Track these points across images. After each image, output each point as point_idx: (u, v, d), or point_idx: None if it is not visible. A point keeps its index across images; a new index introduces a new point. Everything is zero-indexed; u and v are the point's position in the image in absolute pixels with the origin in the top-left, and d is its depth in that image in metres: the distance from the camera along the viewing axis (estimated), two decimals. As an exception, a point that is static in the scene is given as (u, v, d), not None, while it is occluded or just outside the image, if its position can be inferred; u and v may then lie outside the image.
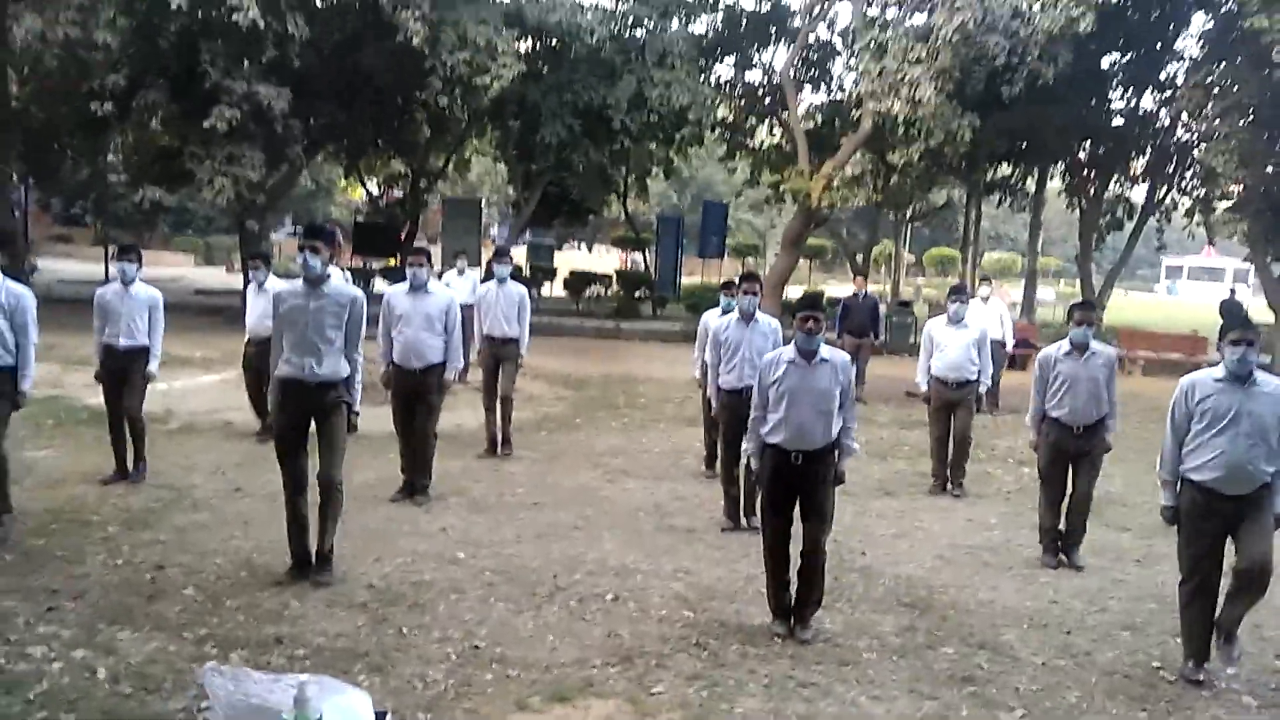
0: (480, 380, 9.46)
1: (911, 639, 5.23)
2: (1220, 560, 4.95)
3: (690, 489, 8.28)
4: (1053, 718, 4.40)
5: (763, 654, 4.91)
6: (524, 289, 9.61)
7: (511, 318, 9.13)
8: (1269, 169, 18.32)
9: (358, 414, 5.72)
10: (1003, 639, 5.30)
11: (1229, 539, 4.89)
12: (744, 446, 5.71)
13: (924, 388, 8.90)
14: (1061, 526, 6.77)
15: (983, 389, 8.99)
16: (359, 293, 5.69)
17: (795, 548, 5.26)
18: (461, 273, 13.72)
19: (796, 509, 5.26)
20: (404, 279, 7.63)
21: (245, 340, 9.10)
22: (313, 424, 5.62)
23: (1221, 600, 4.95)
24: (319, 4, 18.38)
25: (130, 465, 7.54)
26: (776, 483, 5.29)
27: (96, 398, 10.09)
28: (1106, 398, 6.64)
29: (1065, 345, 6.72)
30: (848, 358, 5.45)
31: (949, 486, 8.69)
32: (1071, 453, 6.69)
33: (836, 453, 5.30)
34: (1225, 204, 20.92)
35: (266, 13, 15.40)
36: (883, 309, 16.09)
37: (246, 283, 9.62)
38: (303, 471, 5.62)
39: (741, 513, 7.22)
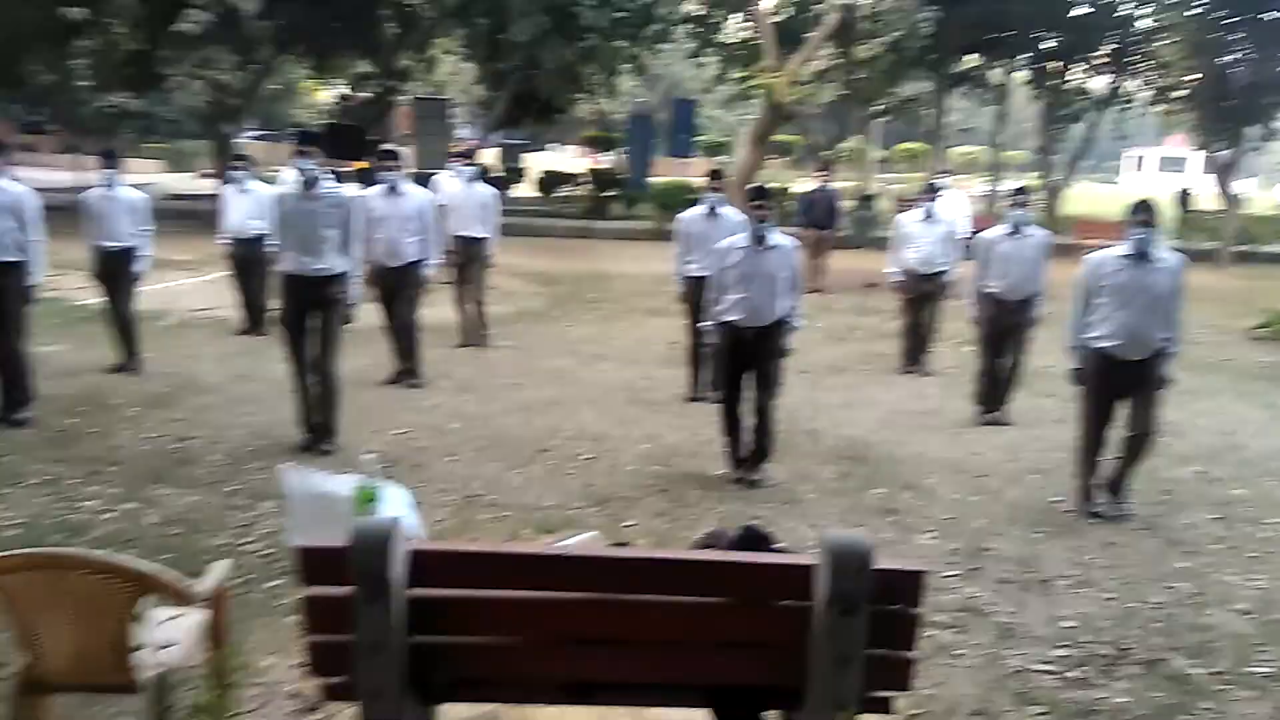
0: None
1: (846, 483, 6.05)
2: (1110, 417, 5.65)
3: (658, 371, 9.01)
4: (960, 537, 5.24)
5: (719, 496, 5.73)
6: (492, 189, 9.96)
7: (480, 218, 9.44)
8: (1217, 60, 18.85)
9: (353, 306, 6.19)
10: (925, 482, 6.14)
11: (1120, 402, 5.59)
12: (701, 324, 6.30)
13: (896, 278, 9.38)
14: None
15: (950, 279, 9.31)
16: (352, 194, 6.31)
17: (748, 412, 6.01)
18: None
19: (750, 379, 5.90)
20: (376, 181, 8.06)
21: (229, 240, 9.60)
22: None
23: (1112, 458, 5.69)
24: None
25: (117, 363, 8.08)
26: (732, 356, 5.88)
27: (93, 296, 10.68)
28: (1037, 275, 7.35)
29: (1006, 227, 7.40)
30: (795, 243, 6.01)
31: (914, 365, 9.33)
32: (1005, 325, 7.49)
33: (784, 328, 5.90)
34: (1180, 94, 21.51)
35: (233, -86, 15.43)
36: (845, 203, 16.71)
37: (227, 184, 9.92)
38: (306, 354, 6.18)
39: (699, 385, 7.80)
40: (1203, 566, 4.96)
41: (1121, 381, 5.53)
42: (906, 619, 2.56)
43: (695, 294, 7.36)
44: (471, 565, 2.67)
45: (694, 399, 7.81)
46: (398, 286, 7.93)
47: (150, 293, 10.08)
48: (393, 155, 8.15)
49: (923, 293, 9.22)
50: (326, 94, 31.16)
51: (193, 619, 2.91)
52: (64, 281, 11.74)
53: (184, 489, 5.46)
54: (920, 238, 9.19)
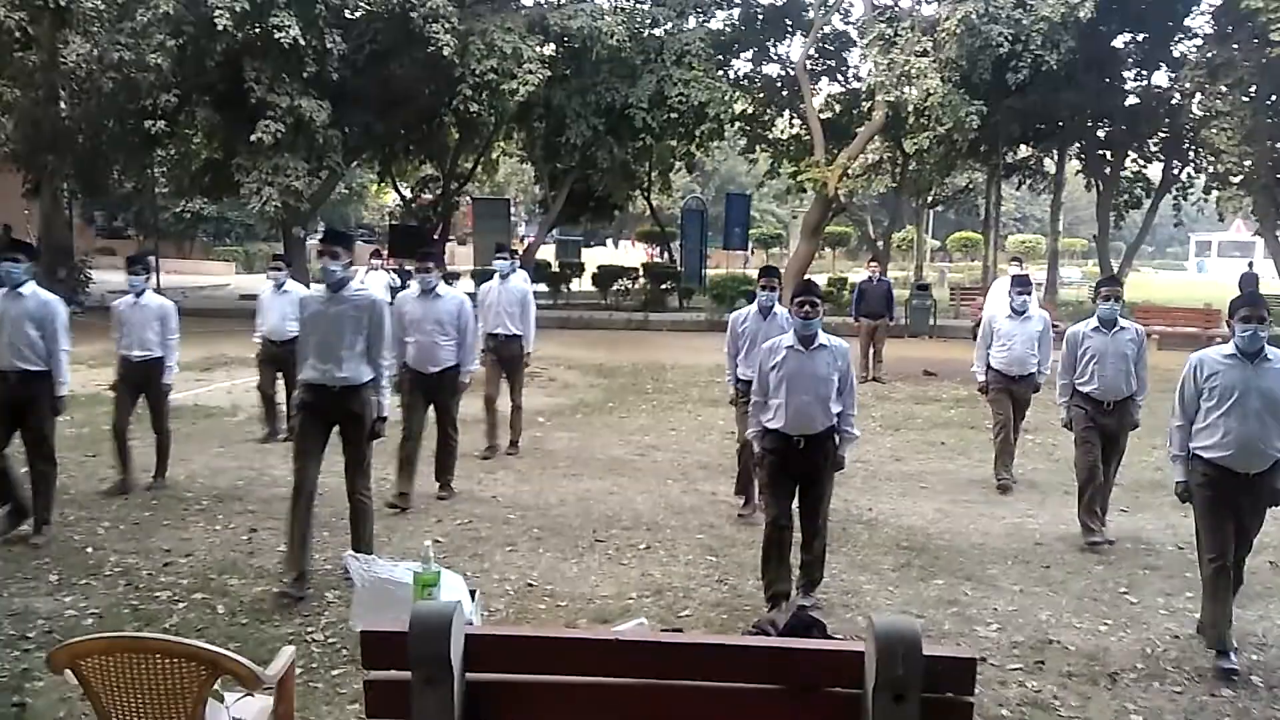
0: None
1: (906, 574, 6.00)
2: (1228, 535, 4.85)
3: (714, 459, 9.05)
4: (1023, 630, 5.15)
5: (775, 586, 5.70)
6: (527, 285, 9.60)
7: (514, 315, 8.96)
8: (1270, 145, 18.78)
9: (384, 420, 5.68)
10: (988, 572, 6.05)
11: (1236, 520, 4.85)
12: (747, 432, 5.85)
13: (981, 378, 8.46)
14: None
15: (1042, 380, 8.27)
16: (379, 297, 5.79)
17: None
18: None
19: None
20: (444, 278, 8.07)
21: (261, 340, 9.21)
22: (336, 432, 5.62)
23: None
24: (353, 18, 19.30)
25: (152, 474, 7.66)
26: (778, 468, 5.34)
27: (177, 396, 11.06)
28: (1135, 373, 6.67)
29: (1093, 321, 6.78)
30: (846, 345, 5.52)
31: (997, 479, 8.20)
32: (1102, 428, 6.69)
33: (836, 438, 5.37)
34: (1235, 180, 21.41)
35: (306, 31, 16.36)
36: (897, 292, 16.80)
37: (269, 284, 9.52)
38: (314, 481, 5.54)
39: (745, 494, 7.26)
40: (1274, 660, 4.81)
41: (1238, 496, 4.82)
42: (959, 707, 2.56)
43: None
44: (527, 650, 2.74)
45: (740, 515, 7.16)
46: (434, 393, 7.48)
47: (222, 390, 10.48)
48: (431, 256, 7.70)
49: (1011, 392, 8.26)
50: (391, 196, 32.30)
51: (261, 703, 3.01)
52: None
53: (253, 579, 5.61)
54: (1011, 337, 8.21)
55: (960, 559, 6.31)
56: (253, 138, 17.17)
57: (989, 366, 8.33)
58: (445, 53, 17.64)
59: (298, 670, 3.72)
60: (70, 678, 2.81)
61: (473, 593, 4.15)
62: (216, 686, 2.82)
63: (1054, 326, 8.57)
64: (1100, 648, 4.94)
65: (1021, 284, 8.39)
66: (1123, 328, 6.73)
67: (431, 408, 7.54)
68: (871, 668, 2.48)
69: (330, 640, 4.70)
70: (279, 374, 9.16)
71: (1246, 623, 5.30)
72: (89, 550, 6.07)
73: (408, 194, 29.79)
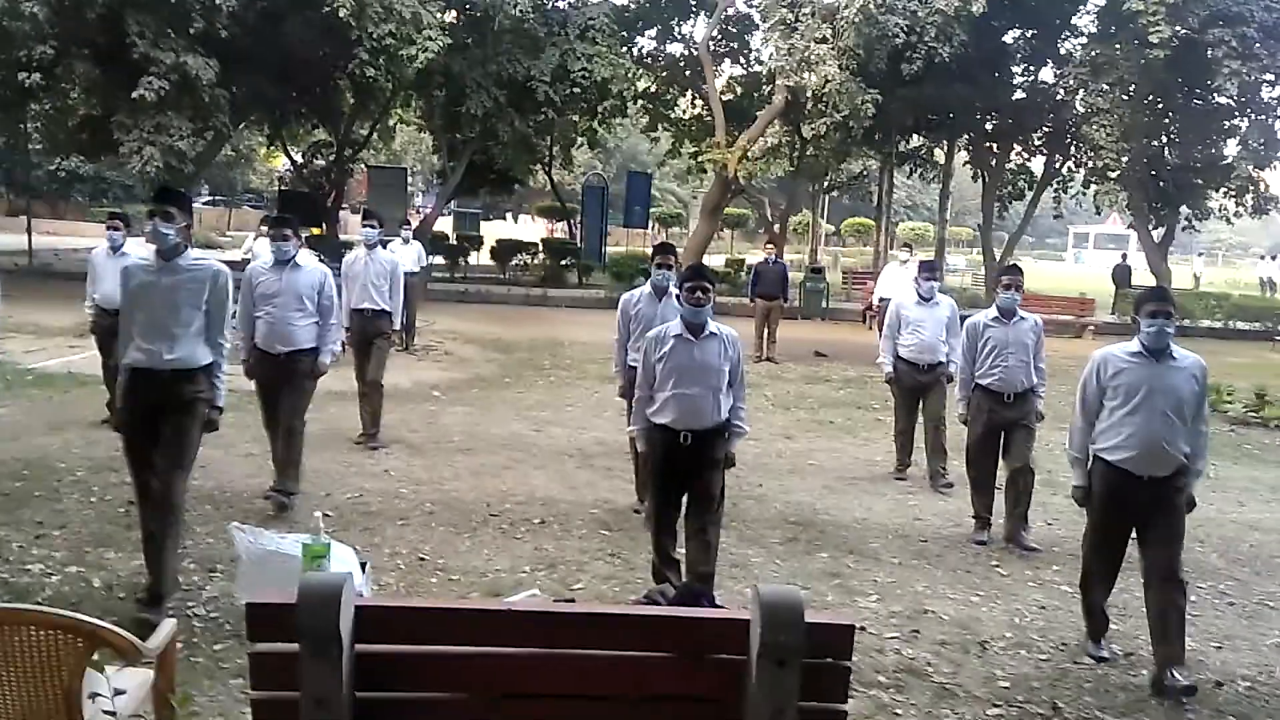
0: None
1: (793, 547, 6.18)
2: (1123, 546, 4.77)
3: (611, 436, 9.10)
4: (901, 600, 5.37)
5: (667, 560, 5.79)
6: (395, 258, 8.94)
7: (383, 290, 8.30)
8: (1147, 142, 19.75)
9: (220, 410, 4.89)
10: (869, 546, 6.28)
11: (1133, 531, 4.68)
12: (629, 428, 5.44)
13: (888, 369, 8.06)
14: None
15: (952, 368, 7.63)
16: (223, 267, 4.91)
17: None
18: (406, 241, 14.09)
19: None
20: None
21: (92, 309, 8.16)
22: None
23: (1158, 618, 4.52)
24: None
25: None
26: (664, 465, 5.00)
27: (39, 361, 10.61)
28: (1034, 364, 6.54)
29: (992, 311, 6.64)
30: (736, 333, 5.12)
31: (934, 478, 7.86)
32: (1003, 422, 6.55)
33: (727, 434, 5.01)
34: (1113, 175, 22.46)
35: (194, -15, 15.69)
36: (793, 275, 17.16)
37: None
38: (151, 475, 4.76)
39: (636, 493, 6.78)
40: (1133, 629, 5.12)
41: (1139, 505, 4.58)
42: (839, 671, 2.67)
43: None
44: (418, 621, 2.74)
45: (637, 510, 6.61)
46: (284, 379, 6.50)
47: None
48: (288, 222, 6.72)
49: (920, 384, 7.95)
50: (280, 160, 31.30)
51: (142, 676, 2.93)
52: (11, 345, 11.68)
53: (131, 553, 5.41)
54: (921, 323, 7.89)
55: (844, 534, 6.52)
56: (134, 94, 16.39)
57: (896, 355, 7.99)
58: (341, 14, 17.14)
59: (179, 645, 3.64)
60: (-66, 651, 2.70)
61: (363, 565, 4.11)
62: (95, 658, 2.74)
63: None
64: (972, 617, 5.19)
65: (929, 270, 8.14)
66: (1022, 318, 6.58)
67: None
68: (756, 635, 2.56)
69: (213, 615, 4.59)
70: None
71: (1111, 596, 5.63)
72: (-48, 522, 5.79)
73: (299, 159, 28.91)
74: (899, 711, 4.09)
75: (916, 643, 4.82)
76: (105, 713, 2.78)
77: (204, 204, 40.12)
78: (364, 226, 8.77)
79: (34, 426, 8.15)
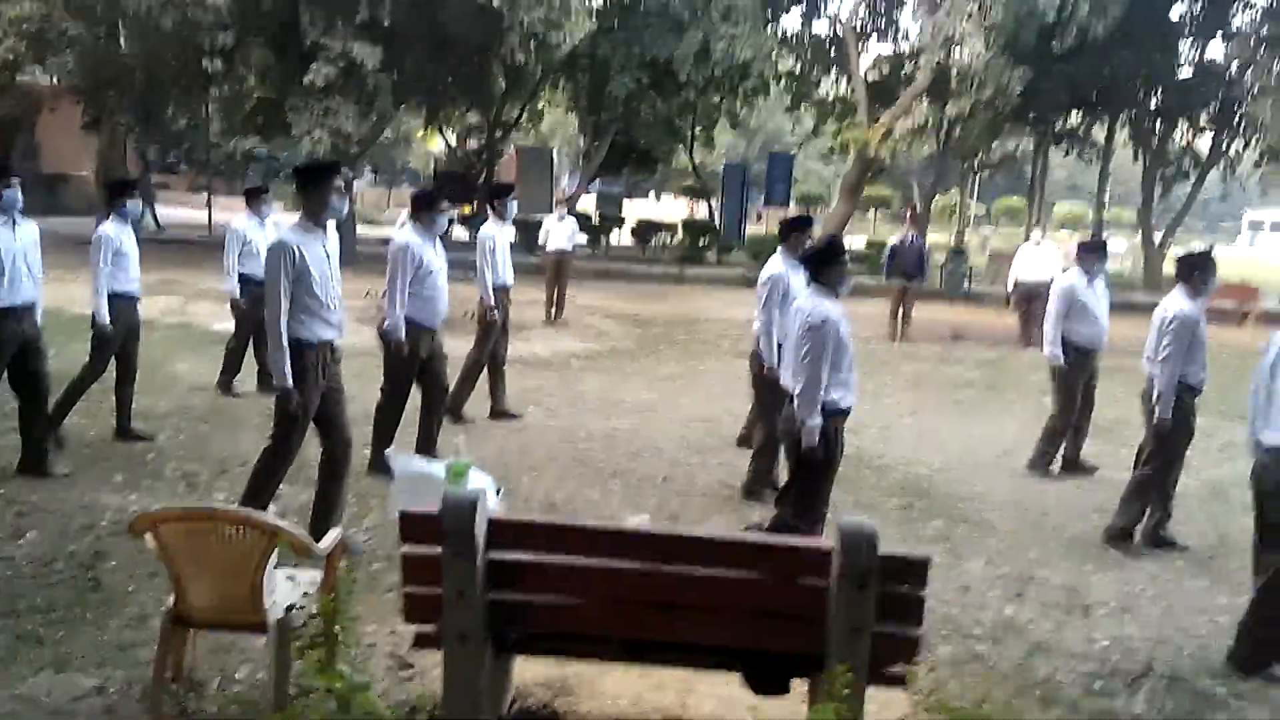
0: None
1: (907, 514, 6.37)
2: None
3: (740, 407, 9.39)
4: (1011, 565, 5.51)
5: (782, 518, 6.09)
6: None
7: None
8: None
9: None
10: (984, 516, 6.41)
11: None
12: (810, 419, 4.84)
13: (1060, 359, 7.40)
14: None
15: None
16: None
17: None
18: (561, 219, 14.85)
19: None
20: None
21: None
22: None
23: None
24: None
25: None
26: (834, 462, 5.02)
27: (221, 324, 11.64)
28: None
29: (1196, 305, 5.93)
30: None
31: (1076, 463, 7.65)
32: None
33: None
34: (1282, 154, 21.18)
35: (361, -25, 16.68)
36: (936, 256, 16.97)
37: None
38: None
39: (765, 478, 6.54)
40: (1246, 604, 5.11)
41: None
42: (913, 599, 2.95)
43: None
44: (542, 535, 3.16)
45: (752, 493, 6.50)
46: (438, 349, 6.69)
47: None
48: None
49: (1090, 372, 7.55)
50: (436, 142, 32.71)
51: (312, 575, 3.46)
52: (192, 308, 12.88)
53: (301, 487, 6.09)
54: (1098, 310, 7.44)
55: (960, 505, 6.65)
56: (305, 80, 17.57)
57: (1069, 343, 7.38)
58: (495, 2, 17.87)
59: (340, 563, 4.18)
60: (149, 542, 3.27)
61: (498, 491, 4.58)
62: (275, 555, 3.27)
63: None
64: (1081, 584, 5.30)
65: (1102, 251, 7.73)
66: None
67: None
68: (837, 561, 2.87)
69: (368, 541, 5.18)
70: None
71: (1228, 571, 5.62)
72: (151, 457, 6.60)
73: (453, 141, 30.13)
74: (993, 662, 4.29)
75: (1020, 603, 4.98)
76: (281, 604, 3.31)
77: (366, 184, 42.24)
78: (510, 201, 8.45)
79: (211, 381, 9.04)
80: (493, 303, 8.09)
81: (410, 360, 6.49)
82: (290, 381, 4.76)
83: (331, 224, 4.96)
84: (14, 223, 5.71)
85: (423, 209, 6.61)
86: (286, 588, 3.44)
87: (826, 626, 2.90)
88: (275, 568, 3.38)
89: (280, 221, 7.49)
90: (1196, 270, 6.03)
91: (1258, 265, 35.15)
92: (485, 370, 8.31)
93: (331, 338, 4.92)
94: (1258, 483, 4.58)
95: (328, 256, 4.87)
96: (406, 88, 21.99)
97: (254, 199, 8.71)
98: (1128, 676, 4.20)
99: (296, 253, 4.71)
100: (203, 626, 3.38)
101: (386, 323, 6.48)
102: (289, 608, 3.31)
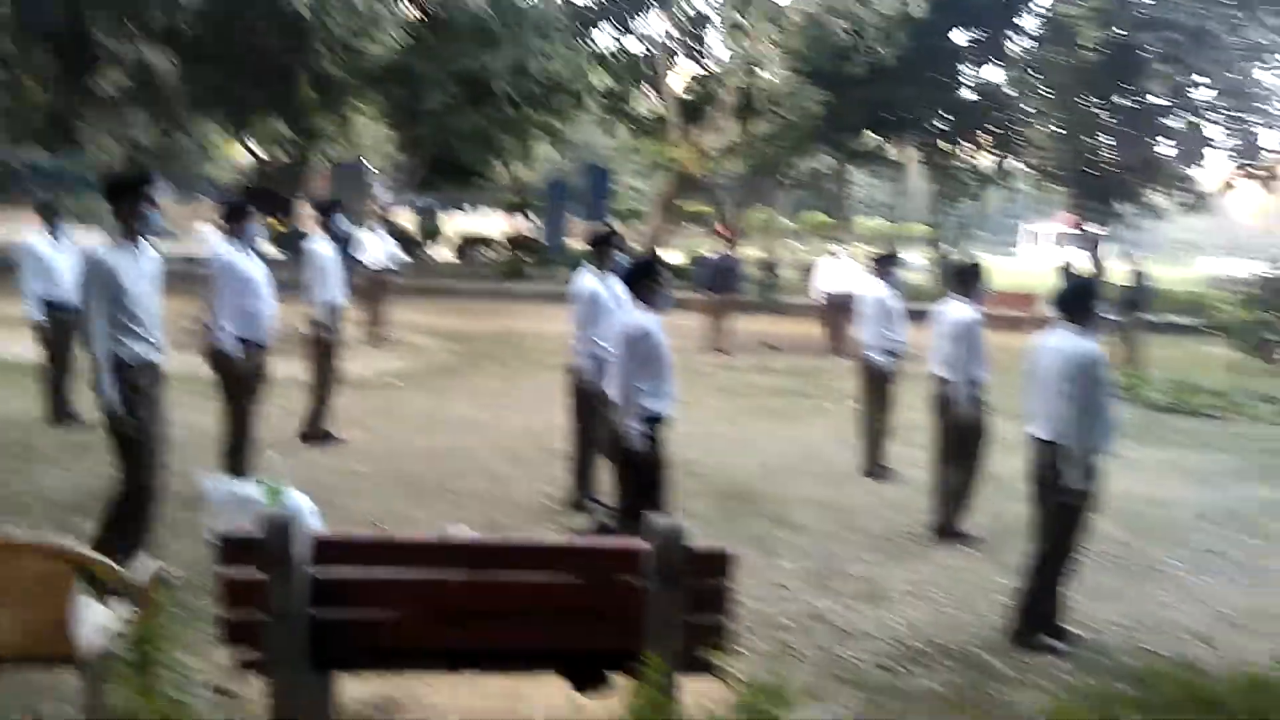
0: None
1: (722, 517, 6.68)
2: None
3: (562, 420, 9.52)
4: (818, 562, 5.89)
5: (604, 527, 6.27)
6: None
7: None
8: (1086, 139, 20.53)
9: None
10: (795, 517, 6.79)
11: None
12: (625, 424, 5.19)
13: (882, 362, 7.96)
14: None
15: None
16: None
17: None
18: (377, 234, 14.65)
19: None
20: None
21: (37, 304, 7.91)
22: None
23: None
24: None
25: None
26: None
27: (6, 350, 10.83)
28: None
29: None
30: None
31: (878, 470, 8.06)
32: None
33: None
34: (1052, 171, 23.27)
35: (155, -20, 15.93)
36: (748, 269, 17.72)
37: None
38: None
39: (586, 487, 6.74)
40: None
41: None
42: (720, 591, 3.18)
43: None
44: (364, 550, 3.21)
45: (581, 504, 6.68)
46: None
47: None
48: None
49: (889, 378, 8.08)
50: (238, 151, 31.42)
51: (127, 605, 3.36)
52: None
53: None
54: (898, 316, 8.03)
55: (772, 507, 7.03)
56: (95, 88, 16.59)
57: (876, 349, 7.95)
58: (301, 10, 17.43)
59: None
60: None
61: (319, 512, 4.55)
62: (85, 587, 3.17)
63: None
64: (881, 575, 5.72)
65: (894, 262, 8.53)
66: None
67: None
68: (649, 559, 3.05)
69: (186, 574, 5.00)
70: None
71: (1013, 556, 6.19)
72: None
73: (261, 154, 29.02)
74: (803, 651, 4.60)
75: (826, 595, 5.34)
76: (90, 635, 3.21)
77: (163, 197, 39.97)
78: (335, 218, 8.58)
79: (7, 411, 8.44)
80: (321, 319, 7.93)
81: (249, 377, 6.39)
82: (119, 406, 4.59)
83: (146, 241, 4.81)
84: None
85: (234, 219, 6.50)
86: (98, 619, 3.33)
87: (642, 622, 3.08)
88: (86, 600, 3.27)
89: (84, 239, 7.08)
90: (969, 279, 6.69)
91: (1033, 275, 38.31)
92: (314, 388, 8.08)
93: (155, 359, 4.77)
94: (1030, 472, 5.05)
95: (143, 275, 4.71)
96: (206, 96, 21.11)
97: (47, 215, 8.21)
98: (919, 655, 4.60)
99: (111, 271, 4.55)
100: (7, 661, 3.23)
101: (213, 340, 6.27)
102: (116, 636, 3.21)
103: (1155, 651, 4.84)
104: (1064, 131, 19.73)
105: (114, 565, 3.17)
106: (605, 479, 6.74)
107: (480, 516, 6.35)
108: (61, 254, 7.90)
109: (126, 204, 4.67)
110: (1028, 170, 26.25)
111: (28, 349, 8.53)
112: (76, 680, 3.25)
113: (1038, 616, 4.85)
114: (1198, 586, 5.86)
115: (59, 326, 7.86)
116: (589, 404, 6.56)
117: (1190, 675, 4.43)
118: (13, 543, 3.10)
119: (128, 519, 4.78)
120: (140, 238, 4.74)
